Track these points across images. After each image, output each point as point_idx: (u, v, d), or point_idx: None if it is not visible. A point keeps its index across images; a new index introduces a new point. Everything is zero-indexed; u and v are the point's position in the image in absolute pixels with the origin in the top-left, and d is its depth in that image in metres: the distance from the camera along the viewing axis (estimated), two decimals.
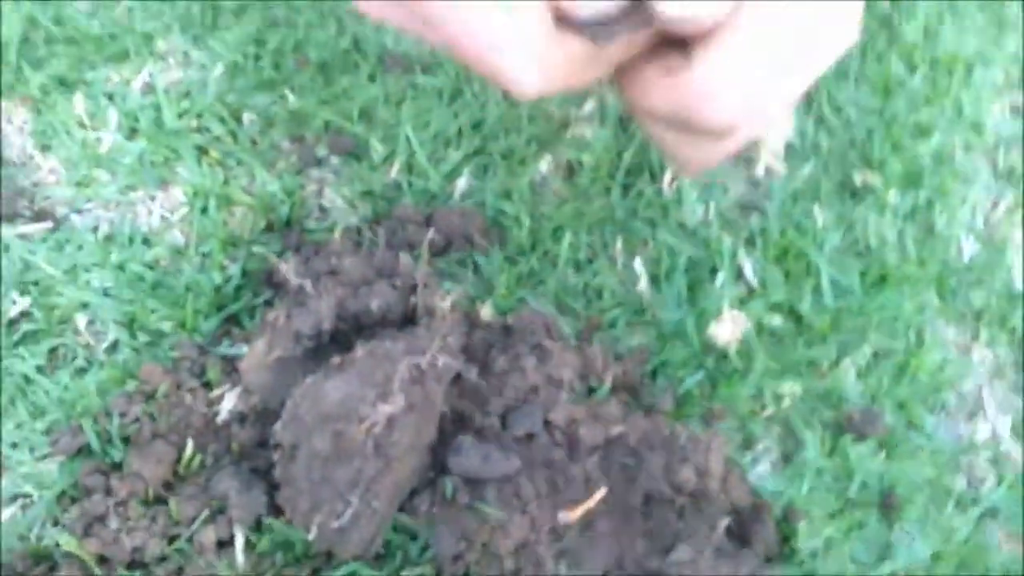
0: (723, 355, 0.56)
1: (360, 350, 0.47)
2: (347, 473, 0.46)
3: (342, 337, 0.52)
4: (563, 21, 0.36)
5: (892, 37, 0.69)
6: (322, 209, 0.63)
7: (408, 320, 0.53)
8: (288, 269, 0.52)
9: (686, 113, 0.37)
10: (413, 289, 0.54)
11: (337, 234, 0.58)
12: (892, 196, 0.62)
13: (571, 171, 0.65)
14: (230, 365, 0.54)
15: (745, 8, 0.35)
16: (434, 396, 0.48)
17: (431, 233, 0.59)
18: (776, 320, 0.57)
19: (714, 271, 0.59)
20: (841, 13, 0.38)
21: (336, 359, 0.47)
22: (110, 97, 0.66)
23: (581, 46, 0.36)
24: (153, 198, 0.63)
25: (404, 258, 0.56)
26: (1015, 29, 0.70)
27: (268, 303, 0.57)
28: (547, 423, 0.52)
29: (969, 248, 0.61)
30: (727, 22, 0.36)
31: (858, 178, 0.62)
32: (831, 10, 0.37)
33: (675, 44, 0.39)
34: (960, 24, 0.70)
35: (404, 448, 0.47)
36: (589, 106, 0.66)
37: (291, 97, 0.66)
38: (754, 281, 0.59)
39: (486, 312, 0.56)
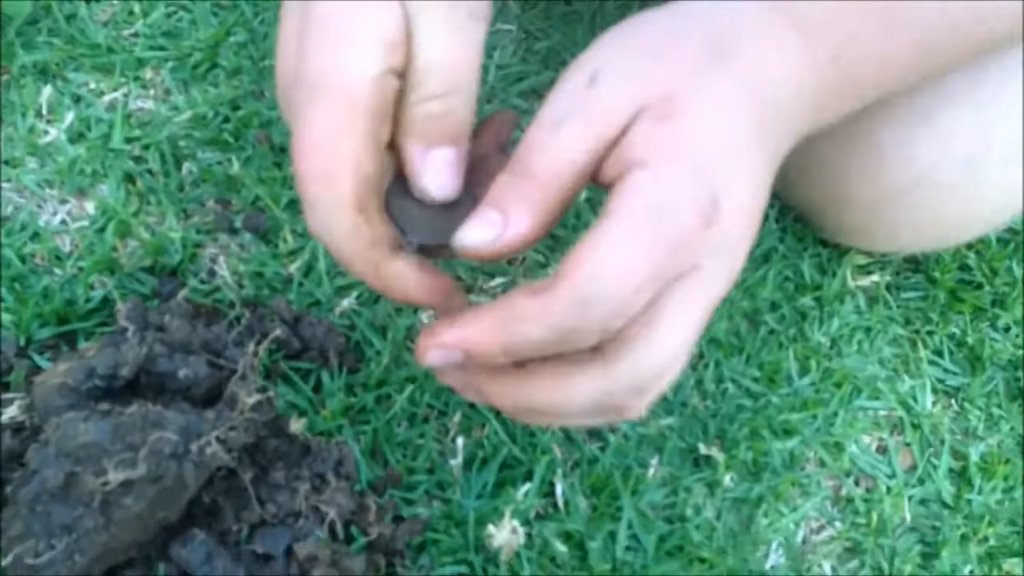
0: (494, 559, 0.56)
1: (134, 408, 0.48)
2: (65, 517, 0.46)
3: (141, 390, 0.52)
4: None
5: (800, 334, 0.70)
6: (211, 273, 0.65)
7: (209, 401, 0.53)
8: (122, 310, 0.54)
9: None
10: (233, 374, 0.54)
11: (189, 298, 0.60)
12: (728, 479, 0.62)
13: None
14: (36, 375, 0.55)
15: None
16: (188, 478, 0.48)
17: (285, 333, 0.60)
18: (561, 547, 0.57)
19: (529, 478, 0.59)
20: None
21: (105, 406, 0.48)
22: (77, 100, 0.70)
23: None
24: (64, 202, 0.65)
25: (247, 345, 0.57)
26: (917, 377, 0.71)
27: (111, 333, 0.58)
28: (289, 550, 0.51)
29: (774, 558, 0.61)
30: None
31: (704, 449, 0.63)
32: None
33: None
34: (867, 349, 0.71)
35: (132, 516, 0.47)
36: (497, 280, 0.68)
37: (236, 164, 0.69)
38: (560, 502, 0.59)
39: (296, 425, 0.56)
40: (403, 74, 0.38)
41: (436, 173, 0.40)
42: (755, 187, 0.38)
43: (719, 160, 0.36)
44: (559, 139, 0.37)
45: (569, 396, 0.39)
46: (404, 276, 0.40)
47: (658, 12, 0.40)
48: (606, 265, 0.35)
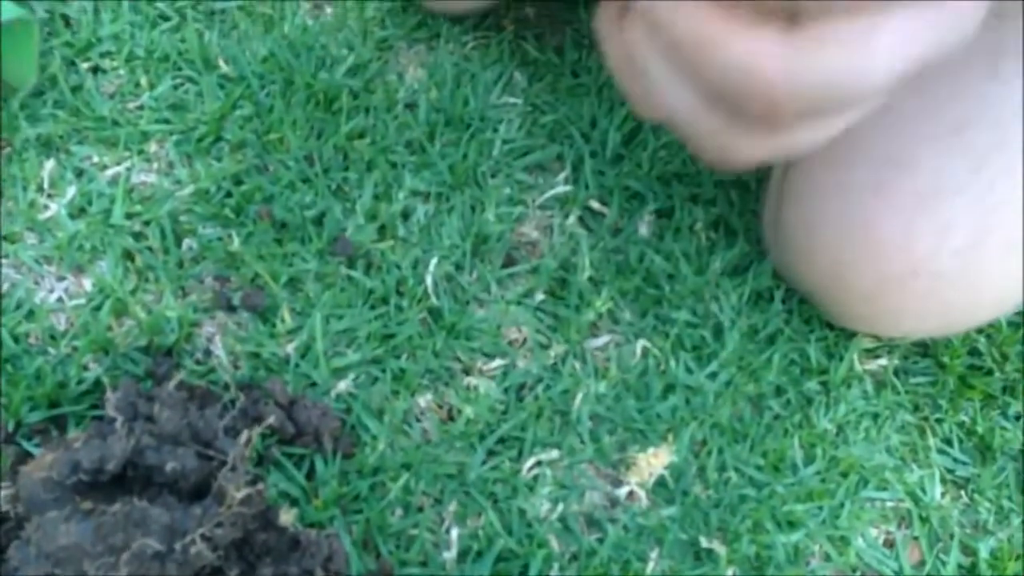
0: None
1: (117, 506, 0.47)
2: None
3: (128, 482, 0.52)
4: None
5: (806, 420, 0.69)
6: (207, 353, 0.64)
7: (197, 494, 0.52)
8: (111, 399, 0.53)
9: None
10: (223, 466, 0.53)
11: (174, 379, 0.59)
12: (730, 575, 0.60)
13: (449, 416, 0.65)
14: (23, 462, 0.54)
15: None
16: None
17: (280, 418, 0.59)
18: None
19: (524, 573, 0.58)
20: None
21: (88, 504, 0.47)
22: (79, 173, 0.69)
23: None
24: (62, 279, 0.65)
25: (241, 435, 0.56)
26: (926, 467, 0.70)
27: (99, 419, 0.58)
28: None
29: None
30: None
31: (705, 542, 0.61)
32: None
33: None
34: (874, 437, 0.69)
35: None
36: (496, 362, 0.67)
37: (236, 240, 0.68)
38: None
39: (286, 516, 0.55)
40: None
41: None
42: None
43: None
44: None
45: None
46: None
47: None
48: None
